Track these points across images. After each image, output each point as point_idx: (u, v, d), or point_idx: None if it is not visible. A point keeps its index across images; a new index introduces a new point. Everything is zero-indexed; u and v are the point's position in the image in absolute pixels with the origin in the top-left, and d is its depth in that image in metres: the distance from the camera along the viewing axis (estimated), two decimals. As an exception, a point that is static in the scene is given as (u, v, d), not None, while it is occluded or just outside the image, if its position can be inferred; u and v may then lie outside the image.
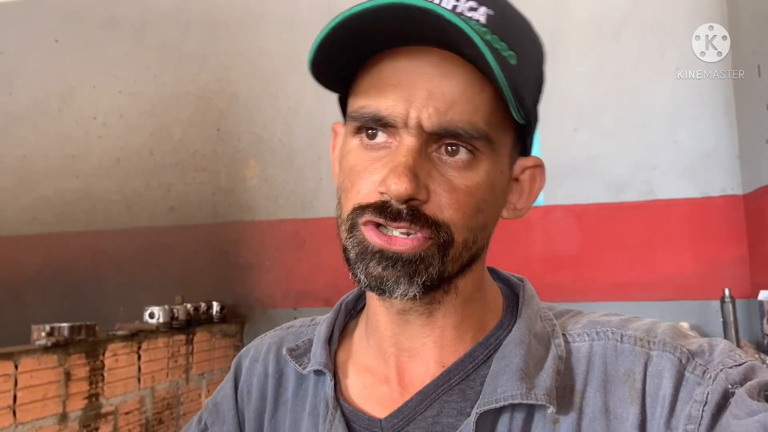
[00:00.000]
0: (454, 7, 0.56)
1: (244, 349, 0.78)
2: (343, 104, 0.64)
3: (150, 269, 3.07)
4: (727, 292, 2.36)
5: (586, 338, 0.61)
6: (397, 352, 0.64)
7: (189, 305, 2.51)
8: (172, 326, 2.34)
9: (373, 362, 0.66)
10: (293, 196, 3.00)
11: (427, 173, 0.56)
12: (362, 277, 0.58)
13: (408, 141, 0.56)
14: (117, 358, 2.03)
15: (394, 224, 0.56)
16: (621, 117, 2.75)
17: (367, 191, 0.57)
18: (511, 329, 0.63)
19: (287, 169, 3.02)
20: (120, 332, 2.10)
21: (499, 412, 0.58)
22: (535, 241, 2.79)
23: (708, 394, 0.54)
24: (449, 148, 0.57)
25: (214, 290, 2.92)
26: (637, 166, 2.71)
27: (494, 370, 0.59)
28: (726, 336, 2.34)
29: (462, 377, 0.61)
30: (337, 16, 0.53)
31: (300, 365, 0.68)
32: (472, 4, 0.57)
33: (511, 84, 0.54)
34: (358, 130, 0.59)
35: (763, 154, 2.35)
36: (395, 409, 0.62)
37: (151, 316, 2.26)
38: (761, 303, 2.31)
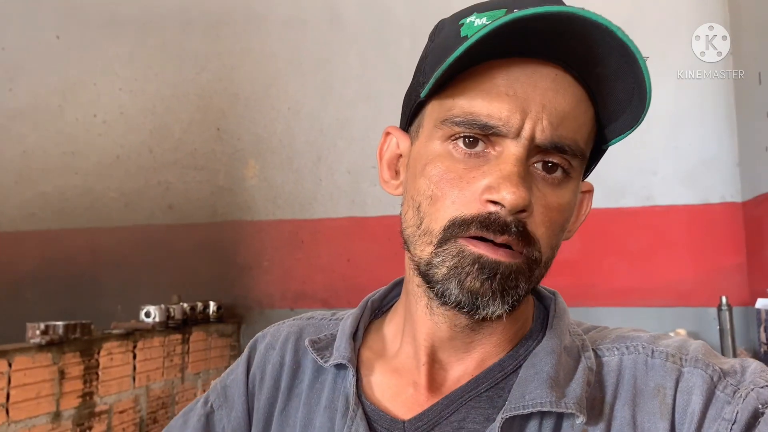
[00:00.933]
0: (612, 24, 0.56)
1: (260, 333, 0.76)
2: (415, 108, 0.62)
3: (148, 267, 3.07)
4: (724, 299, 2.35)
5: (616, 352, 0.61)
6: (430, 362, 0.63)
7: (185, 304, 2.50)
8: (168, 325, 2.33)
9: (402, 365, 0.65)
10: (292, 196, 3.00)
11: (529, 186, 0.55)
12: (454, 290, 0.55)
13: (516, 151, 0.55)
14: (112, 357, 2.03)
15: (501, 238, 0.54)
16: (621, 122, 2.74)
17: (465, 201, 0.55)
18: (541, 340, 0.62)
19: (286, 169, 3.02)
20: (115, 331, 2.10)
21: (526, 419, 0.57)
22: (534, 246, 2.78)
23: (737, 413, 0.53)
24: (548, 164, 0.56)
25: (212, 289, 2.92)
26: (637, 172, 2.71)
27: (523, 377, 0.59)
28: (722, 343, 2.34)
29: (490, 385, 0.61)
30: (503, 16, 0.51)
31: (321, 358, 0.67)
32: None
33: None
34: (454, 137, 0.57)
35: (763, 161, 2.35)
36: (420, 412, 0.61)
37: (147, 315, 2.26)
38: (758, 311, 2.30)
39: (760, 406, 0.53)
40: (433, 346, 0.63)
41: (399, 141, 0.65)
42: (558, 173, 0.57)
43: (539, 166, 0.56)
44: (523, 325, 0.65)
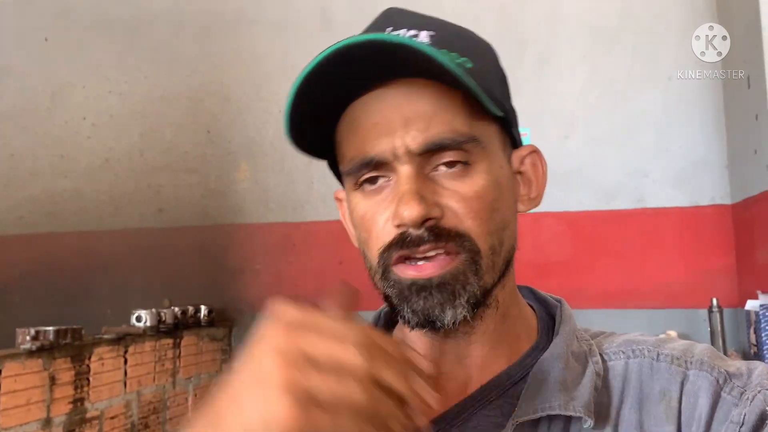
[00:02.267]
0: (397, 36, 0.57)
1: None
2: (334, 168, 0.66)
3: (138, 271, 3.05)
4: (715, 301, 2.37)
5: (622, 356, 0.61)
6: (435, 375, 0.63)
7: (177, 309, 2.49)
8: (159, 330, 2.32)
9: None
10: (284, 199, 2.99)
11: (433, 192, 0.57)
12: (410, 316, 0.57)
13: (404, 170, 0.57)
14: (103, 362, 2.02)
15: (419, 250, 0.56)
16: (612, 125, 2.76)
17: (384, 232, 0.58)
18: (548, 347, 0.63)
19: (278, 172, 3.01)
20: (106, 336, 2.08)
21: (535, 424, 0.57)
22: (526, 248, 2.78)
23: (745, 415, 0.54)
24: (445, 162, 0.57)
25: (203, 293, 2.90)
26: (628, 174, 2.72)
27: (531, 383, 0.59)
28: (712, 345, 2.35)
29: (499, 393, 0.61)
30: (297, 77, 0.55)
31: None
32: (414, 32, 0.59)
33: (476, 81, 0.55)
34: (358, 184, 0.60)
35: (752, 164, 2.37)
36: (430, 420, 0.60)
37: (138, 319, 2.25)
38: (748, 312, 2.32)
39: (766, 408, 0.53)
40: (433, 360, 0.63)
41: (346, 201, 0.68)
42: (460, 166, 0.58)
43: (440, 167, 0.58)
44: (528, 334, 0.66)
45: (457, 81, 0.54)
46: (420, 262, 0.57)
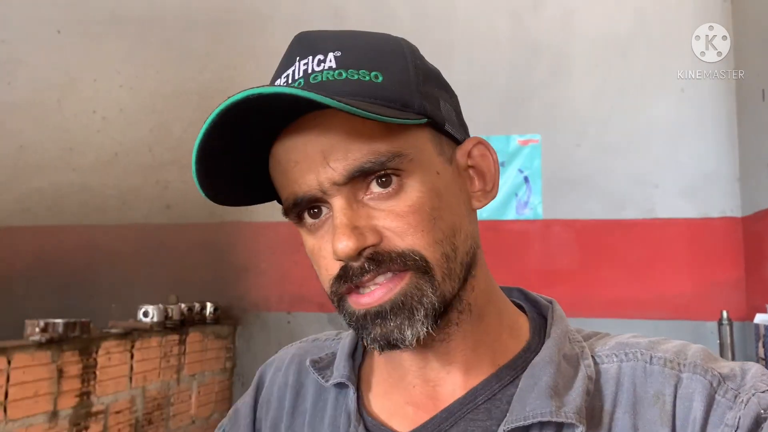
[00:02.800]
0: (305, 71, 0.58)
1: (270, 359, 0.78)
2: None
3: (144, 266, 3.04)
4: (725, 314, 2.36)
5: (615, 359, 0.61)
6: (422, 383, 0.63)
7: (183, 305, 2.48)
8: (165, 326, 2.31)
9: (395, 388, 0.65)
10: (292, 199, 2.98)
11: (368, 217, 0.56)
12: (370, 342, 0.57)
13: (336, 203, 0.56)
14: (110, 357, 2.01)
15: (363, 280, 0.56)
16: (624, 134, 2.75)
17: (330, 265, 0.58)
18: (539, 350, 0.62)
19: (287, 171, 3.00)
20: (114, 330, 2.07)
21: (526, 430, 0.57)
22: (533, 255, 2.79)
23: (740, 418, 0.53)
24: (378, 181, 0.56)
25: (208, 290, 2.89)
26: (638, 184, 2.72)
27: (522, 388, 0.59)
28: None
29: (488, 396, 0.61)
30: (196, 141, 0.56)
31: (323, 377, 0.68)
32: (320, 57, 0.58)
33: (382, 97, 0.55)
34: (300, 220, 0.60)
35: (764, 177, 2.36)
36: (419, 425, 0.61)
37: (146, 314, 2.24)
38: (757, 326, 2.32)
39: (762, 411, 0.53)
40: (418, 369, 0.63)
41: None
42: (393, 183, 0.56)
43: (372, 187, 0.57)
44: (519, 336, 0.65)
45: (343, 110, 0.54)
46: (370, 289, 0.56)
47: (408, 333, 0.55)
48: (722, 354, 2.34)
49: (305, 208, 0.58)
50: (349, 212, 0.55)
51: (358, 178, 0.56)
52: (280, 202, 0.64)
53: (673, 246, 2.67)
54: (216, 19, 3.17)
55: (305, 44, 0.61)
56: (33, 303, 2.99)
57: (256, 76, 3.09)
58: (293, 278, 2.94)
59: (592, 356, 0.62)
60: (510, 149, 2.79)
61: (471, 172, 0.63)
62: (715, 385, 0.56)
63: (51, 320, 1.78)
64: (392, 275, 0.56)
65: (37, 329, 1.72)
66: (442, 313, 0.58)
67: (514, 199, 2.77)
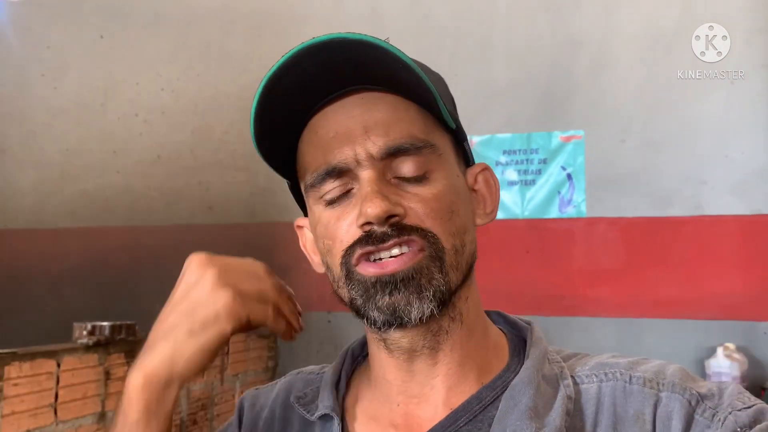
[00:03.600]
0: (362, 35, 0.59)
1: (248, 393, 0.79)
2: (296, 192, 0.69)
3: (187, 267, 3.08)
4: (777, 314, 2.29)
5: (595, 379, 0.61)
6: (405, 400, 0.64)
7: (225, 306, 2.50)
8: (209, 327, 2.33)
9: (378, 411, 0.66)
10: (331, 199, 2.99)
11: (395, 194, 0.59)
12: (375, 314, 0.58)
13: (366, 174, 0.59)
14: (155, 358, 2.03)
15: (385, 246, 0.58)
16: (670, 130, 2.68)
17: (348, 234, 0.60)
18: (519, 371, 0.62)
19: (326, 171, 3.01)
20: (159, 332, 2.10)
21: None
22: (576, 254, 2.73)
23: None
24: (404, 169, 0.60)
25: (250, 291, 2.91)
26: (685, 181, 2.65)
27: (502, 410, 0.59)
28: (775, 360, 2.27)
29: (469, 418, 0.61)
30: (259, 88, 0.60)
31: (308, 412, 0.68)
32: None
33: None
34: (322, 198, 0.62)
35: (821, 173, 2.27)
36: None
37: (189, 316, 2.26)
38: (813, 327, 2.23)
39: (738, 429, 0.54)
40: (402, 383, 0.64)
41: (307, 227, 0.71)
42: (419, 171, 0.60)
43: (402, 173, 0.60)
44: (498, 356, 0.66)
45: (416, 89, 0.58)
46: (385, 256, 0.58)
47: (415, 307, 0.57)
48: (777, 356, 2.26)
49: (334, 179, 0.60)
50: (379, 183, 0.58)
51: (393, 156, 0.59)
52: (288, 177, 0.68)
53: (722, 244, 2.59)
54: (254, 21, 3.19)
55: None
56: (79, 304, 3.05)
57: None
58: (333, 278, 2.94)
59: (572, 376, 0.62)
60: (552, 146, 2.74)
61: (473, 195, 0.67)
62: (693, 404, 0.57)
63: (98, 323, 1.81)
64: (408, 250, 0.58)
65: (84, 332, 1.76)
66: (444, 302, 0.59)
67: (557, 197, 2.72)
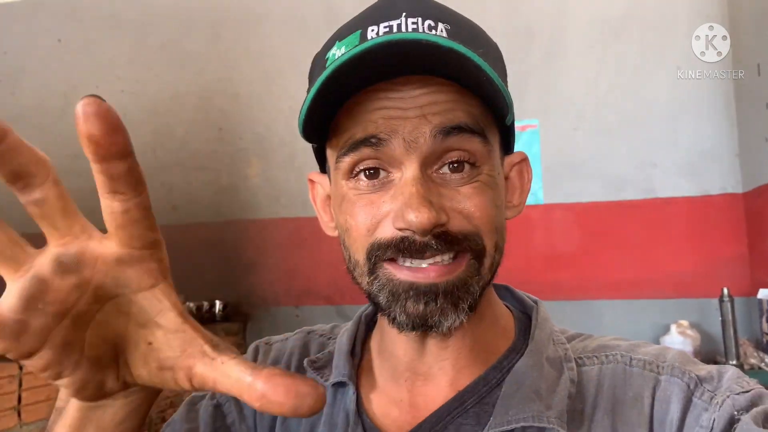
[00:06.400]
0: (414, 29, 0.55)
1: (263, 342, 0.76)
2: (320, 155, 0.64)
3: (153, 268, 3.09)
4: (725, 290, 2.37)
5: (596, 361, 0.61)
6: (412, 377, 0.63)
7: (191, 304, 2.52)
8: (174, 325, 2.35)
9: (386, 383, 0.65)
10: (295, 194, 3.02)
11: (438, 194, 0.55)
12: (402, 318, 0.55)
13: (411, 170, 0.55)
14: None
15: (423, 257, 0.54)
16: (621, 115, 2.75)
17: (380, 229, 0.55)
18: (524, 352, 0.62)
19: (289, 168, 3.04)
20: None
21: None
22: (536, 240, 2.80)
23: (714, 420, 0.54)
24: (453, 164, 0.56)
25: (217, 289, 2.94)
26: (637, 165, 2.72)
27: (506, 392, 0.59)
28: (724, 334, 2.35)
29: (476, 400, 0.61)
30: (326, 68, 0.53)
31: (321, 377, 0.67)
32: (430, 22, 0.55)
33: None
34: (354, 172, 0.57)
35: (763, 152, 2.36)
36: (409, 430, 0.61)
37: (154, 315, 2.28)
38: (761, 301, 2.32)
39: (735, 413, 0.53)
40: (411, 360, 0.63)
41: (322, 184, 0.67)
42: (465, 169, 0.56)
43: (444, 168, 0.56)
44: (505, 335, 0.65)
45: (489, 92, 0.53)
46: (422, 265, 0.54)
47: (450, 319, 0.54)
48: (724, 330, 2.35)
49: (372, 147, 0.55)
50: (424, 184, 0.54)
51: (443, 140, 0.54)
52: (317, 151, 0.62)
53: (674, 225, 2.68)
54: (212, 20, 3.20)
55: (414, 2, 0.58)
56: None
57: (253, 75, 3.12)
58: (300, 273, 2.98)
59: (575, 359, 0.62)
60: (508, 136, 2.80)
61: (507, 183, 0.63)
62: (692, 387, 0.57)
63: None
64: (451, 260, 0.55)
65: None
66: (475, 307, 0.57)
67: (515, 185, 2.78)
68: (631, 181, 2.72)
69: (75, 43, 3.34)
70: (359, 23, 0.58)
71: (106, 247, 0.37)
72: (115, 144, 0.34)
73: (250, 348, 0.77)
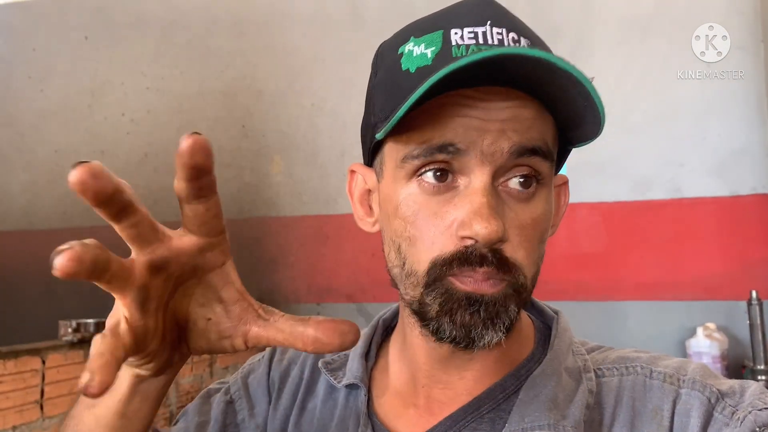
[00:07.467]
0: (500, 41, 0.54)
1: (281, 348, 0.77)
2: (373, 148, 0.62)
3: (176, 264, 3.11)
4: (754, 293, 2.32)
5: (616, 373, 0.61)
6: (430, 383, 0.63)
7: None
8: (196, 321, 2.37)
9: (402, 388, 0.65)
10: (317, 192, 3.02)
11: (502, 209, 0.54)
12: (448, 327, 0.54)
13: (481, 180, 0.53)
14: (142, 353, 2.07)
15: (480, 270, 0.53)
16: (648, 114, 2.71)
17: (443, 239, 0.54)
18: (542, 361, 0.62)
19: (311, 165, 3.04)
20: (145, 327, 2.14)
21: None
22: (559, 240, 2.77)
23: None
24: (520, 179, 0.55)
25: (239, 285, 2.95)
26: (664, 164, 2.67)
27: (522, 399, 0.59)
28: (752, 338, 2.30)
29: (492, 406, 0.60)
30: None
31: (335, 378, 0.68)
32: (514, 35, 0.56)
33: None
34: (418, 173, 0.55)
35: (795, 152, 2.30)
36: None
37: (176, 311, 2.30)
38: (791, 305, 2.27)
39: (757, 429, 0.52)
40: (431, 369, 0.62)
41: (365, 178, 0.65)
42: (532, 187, 0.55)
43: (512, 183, 0.55)
44: (524, 344, 0.65)
45: (574, 115, 0.53)
46: (478, 276, 0.54)
47: (490, 333, 0.54)
48: (752, 334, 2.30)
49: (443, 156, 0.53)
50: (494, 198, 0.53)
51: (517, 159, 0.54)
52: (375, 144, 0.60)
53: (702, 225, 2.62)
54: (236, 18, 3.21)
55: (499, 12, 0.58)
56: (73, 304, 3.09)
57: (276, 72, 3.13)
58: (321, 270, 2.98)
59: (594, 369, 0.61)
60: (532, 134, 2.77)
61: None
62: (713, 401, 0.56)
63: (83, 320, 1.85)
64: (497, 281, 0.54)
65: (69, 329, 1.79)
66: (510, 330, 0.56)
67: (538, 184, 2.75)
68: (658, 180, 2.67)
69: (101, 40, 3.37)
70: (440, 22, 0.57)
71: (185, 241, 0.43)
72: (208, 165, 0.39)
73: (267, 352, 0.78)
